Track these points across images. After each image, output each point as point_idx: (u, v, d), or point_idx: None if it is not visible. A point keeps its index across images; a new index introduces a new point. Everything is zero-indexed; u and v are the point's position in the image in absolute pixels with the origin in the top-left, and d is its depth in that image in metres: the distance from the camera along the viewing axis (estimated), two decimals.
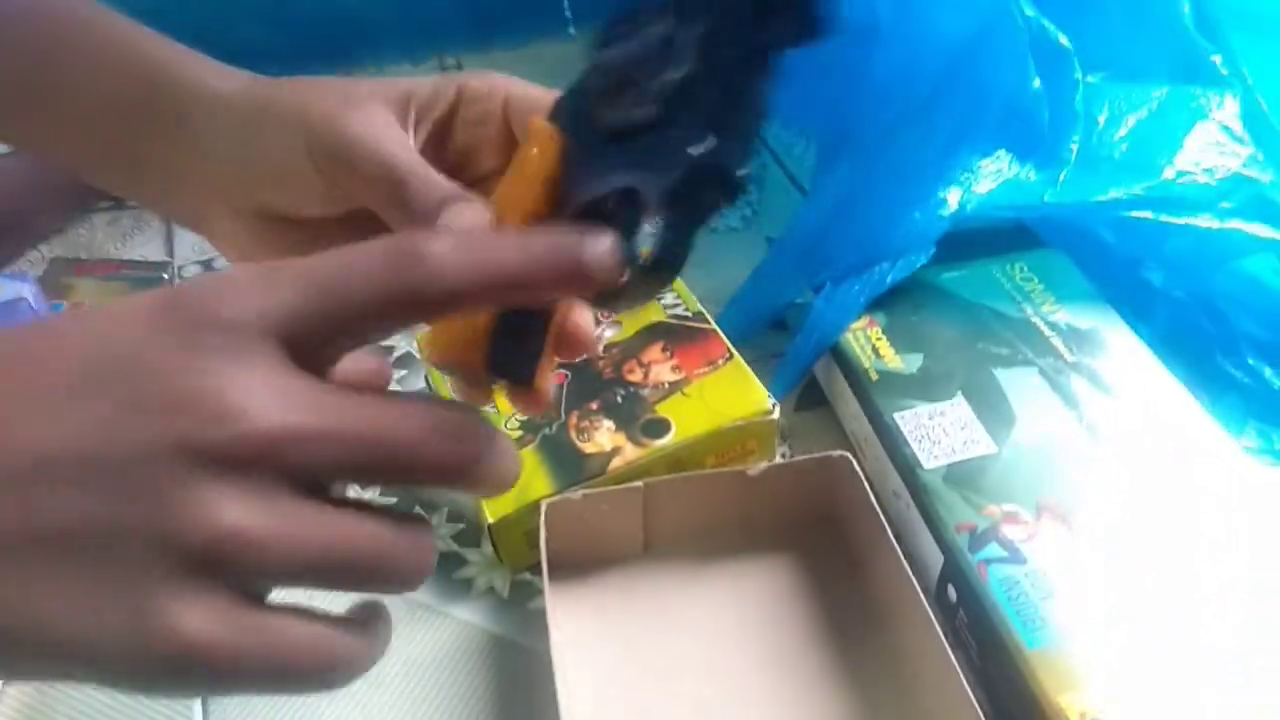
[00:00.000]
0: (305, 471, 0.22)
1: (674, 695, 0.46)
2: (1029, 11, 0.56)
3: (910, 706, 0.45)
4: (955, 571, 0.46)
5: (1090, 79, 0.58)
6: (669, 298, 0.59)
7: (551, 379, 0.31)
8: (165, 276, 0.71)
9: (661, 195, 0.25)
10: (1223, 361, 0.58)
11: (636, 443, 0.51)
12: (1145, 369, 0.55)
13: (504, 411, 0.53)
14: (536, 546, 0.47)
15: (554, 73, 0.31)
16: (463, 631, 0.50)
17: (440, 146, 0.35)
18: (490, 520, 0.48)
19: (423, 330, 0.32)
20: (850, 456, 0.49)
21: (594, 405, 0.53)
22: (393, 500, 0.55)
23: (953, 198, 0.57)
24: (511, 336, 0.27)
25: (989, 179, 0.58)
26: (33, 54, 0.37)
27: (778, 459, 0.57)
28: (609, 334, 0.57)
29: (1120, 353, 0.56)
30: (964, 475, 0.49)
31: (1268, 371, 0.57)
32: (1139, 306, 0.60)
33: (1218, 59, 0.59)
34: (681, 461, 0.52)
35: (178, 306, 0.22)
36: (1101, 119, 0.58)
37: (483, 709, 0.47)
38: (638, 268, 0.24)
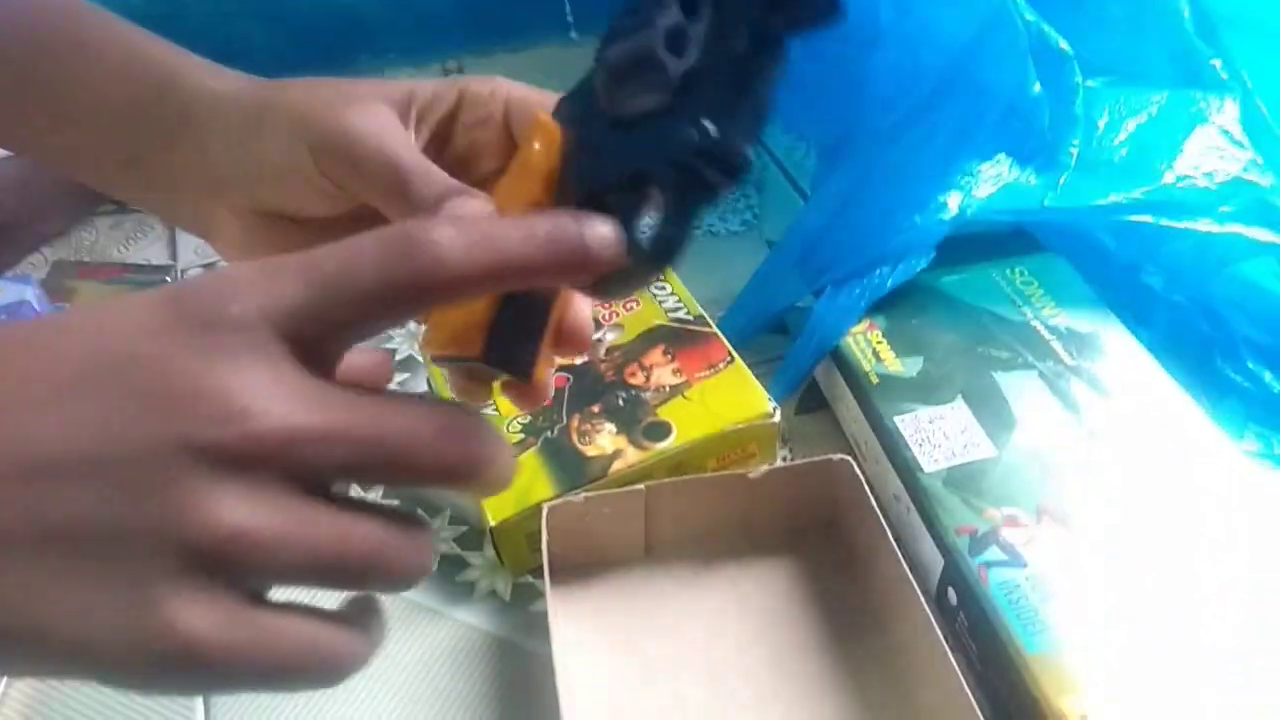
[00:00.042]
0: (309, 472, 0.22)
1: (675, 697, 0.46)
2: (1029, 15, 0.57)
3: (911, 709, 0.45)
4: (955, 574, 0.46)
5: (1090, 83, 0.59)
6: (670, 301, 0.59)
7: (550, 373, 0.31)
8: (168, 280, 0.71)
9: (663, 181, 0.25)
10: (1222, 365, 0.58)
11: (638, 446, 0.51)
12: (1145, 373, 0.55)
13: (506, 414, 0.53)
14: (538, 549, 0.47)
15: (556, 76, 0.32)
16: (464, 634, 0.50)
17: (441, 149, 0.35)
18: (492, 523, 0.49)
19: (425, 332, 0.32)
20: (851, 460, 0.50)
21: (595, 408, 0.53)
22: (395, 502, 0.55)
23: (953, 202, 0.57)
24: (510, 328, 0.27)
25: (989, 183, 0.58)
26: (33, 57, 0.37)
27: (778, 462, 0.57)
28: (610, 337, 0.58)
29: (1120, 357, 0.56)
30: (964, 478, 0.50)
31: (1267, 376, 0.57)
32: (1139, 310, 0.60)
33: (1217, 63, 0.59)
34: (683, 464, 0.52)
35: (182, 304, 0.22)
36: (1101, 123, 0.58)
37: (484, 711, 0.47)
38: (638, 252, 0.24)
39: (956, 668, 0.41)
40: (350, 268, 0.22)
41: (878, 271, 0.58)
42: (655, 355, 0.56)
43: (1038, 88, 0.57)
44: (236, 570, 0.21)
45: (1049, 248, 0.63)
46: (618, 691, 0.46)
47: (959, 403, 0.53)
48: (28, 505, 0.20)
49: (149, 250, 0.75)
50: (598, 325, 0.58)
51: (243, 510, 0.21)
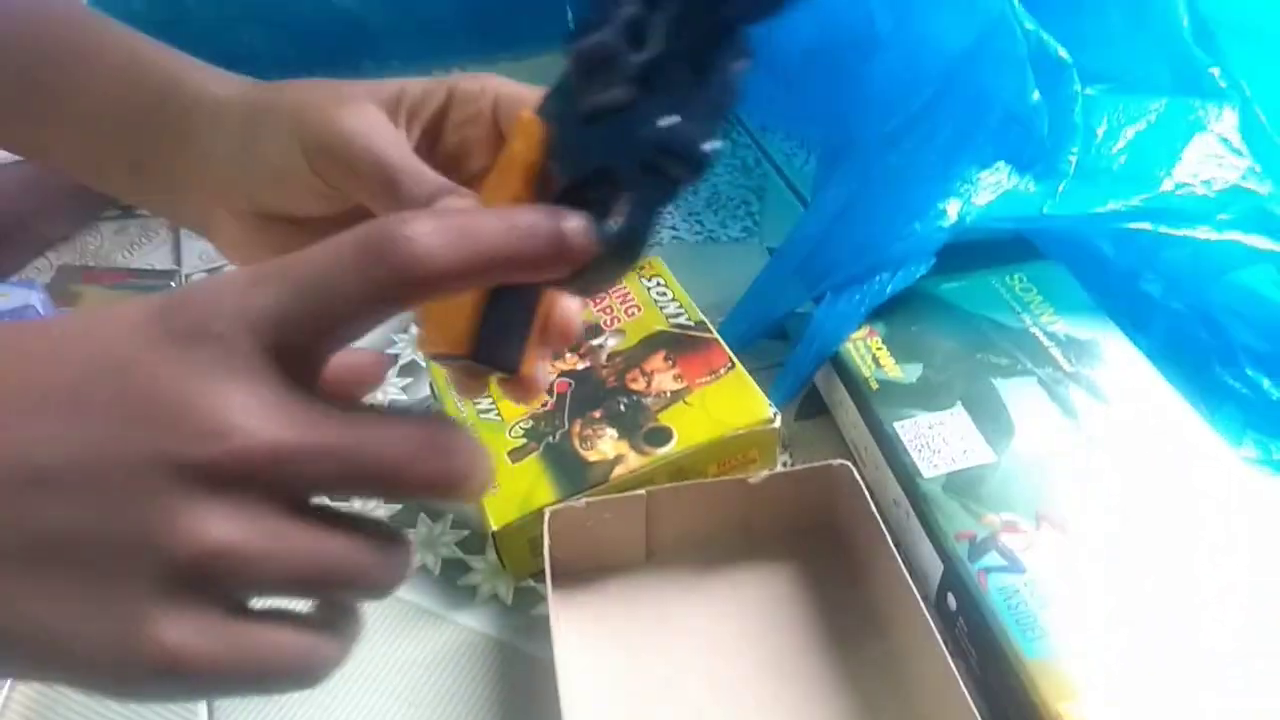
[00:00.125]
0: (291, 488, 0.22)
1: (675, 702, 0.46)
2: (1028, 24, 0.57)
3: (910, 714, 0.45)
4: (955, 580, 0.47)
5: (1089, 91, 0.59)
6: (671, 307, 0.60)
7: (542, 367, 0.31)
8: (173, 284, 0.71)
9: (630, 174, 0.25)
10: (1221, 372, 0.58)
11: (639, 451, 0.51)
12: (1144, 380, 0.55)
13: (509, 418, 0.54)
14: (540, 554, 0.47)
15: None
16: (466, 638, 0.50)
17: (431, 146, 0.35)
18: (494, 528, 0.49)
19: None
20: (850, 465, 0.50)
21: (597, 414, 0.54)
22: (396, 507, 0.56)
23: (952, 209, 0.58)
24: (497, 326, 0.28)
25: (988, 190, 0.58)
26: (36, 63, 0.37)
27: (779, 467, 0.57)
28: (612, 343, 0.58)
29: (1119, 363, 0.56)
30: (963, 484, 0.50)
31: (1266, 383, 0.57)
32: (1137, 317, 0.60)
33: (1216, 71, 0.59)
34: (684, 470, 0.52)
35: (168, 317, 0.22)
36: (1100, 131, 0.59)
37: (485, 714, 0.47)
38: (607, 245, 0.25)
39: (956, 673, 0.41)
40: (329, 271, 0.22)
41: (878, 278, 0.58)
42: (656, 361, 0.56)
43: (1037, 95, 0.57)
44: (219, 585, 0.21)
45: (1048, 255, 0.63)
46: (619, 695, 0.46)
47: (958, 409, 0.54)
48: (16, 515, 0.21)
49: (154, 255, 0.76)
50: (600, 331, 0.59)
51: (226, 527, 0.21)
